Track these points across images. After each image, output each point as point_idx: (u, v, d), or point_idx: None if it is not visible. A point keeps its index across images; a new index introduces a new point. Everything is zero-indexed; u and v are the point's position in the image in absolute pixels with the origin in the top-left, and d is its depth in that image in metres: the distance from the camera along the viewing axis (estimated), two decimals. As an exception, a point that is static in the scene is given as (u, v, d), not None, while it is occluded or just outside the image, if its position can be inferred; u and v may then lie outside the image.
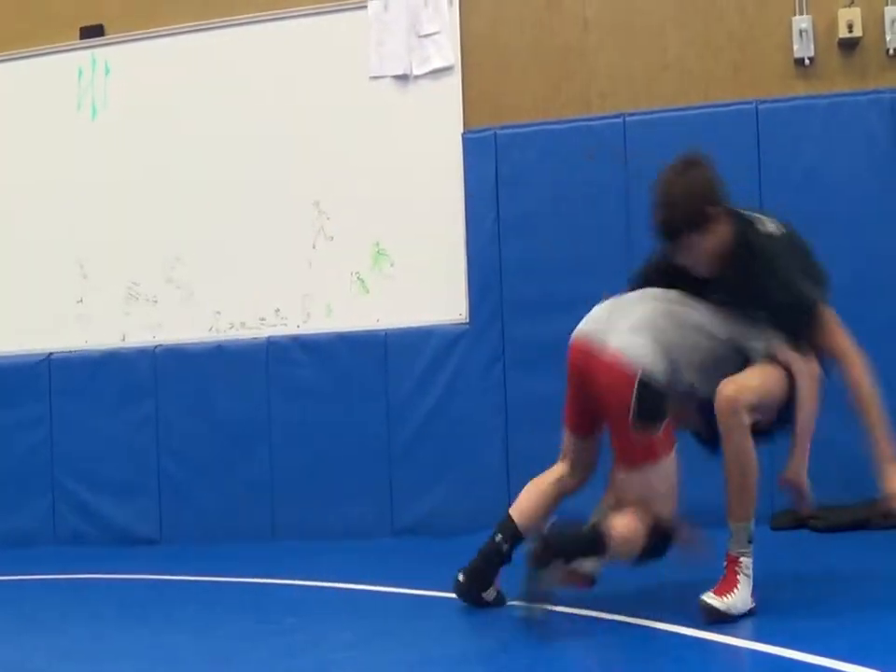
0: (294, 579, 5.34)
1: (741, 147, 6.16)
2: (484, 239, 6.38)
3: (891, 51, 6.31)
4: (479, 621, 4.40)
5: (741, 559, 4.03)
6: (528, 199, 6.37)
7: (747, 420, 4.02)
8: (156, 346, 6.88)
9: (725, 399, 4.01)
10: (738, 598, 3.97)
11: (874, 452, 4.03)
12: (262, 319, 6.78)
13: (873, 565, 4.86)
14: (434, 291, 6.50)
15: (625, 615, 4.13)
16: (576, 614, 4.26)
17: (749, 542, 4.07)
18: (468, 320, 6.43)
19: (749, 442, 4.06)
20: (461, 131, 6.53)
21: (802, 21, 6.38)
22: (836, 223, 6.06)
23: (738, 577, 4.00)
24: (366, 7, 6.68)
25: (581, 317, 5.93)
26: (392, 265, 6.59)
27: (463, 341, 6.38)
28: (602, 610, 4.22)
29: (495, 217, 6.37)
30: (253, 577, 5.48)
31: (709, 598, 3.94)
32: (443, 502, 6.35)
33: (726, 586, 3.99)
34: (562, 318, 6.10)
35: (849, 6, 6.34)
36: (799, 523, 5.84)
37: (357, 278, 6.64)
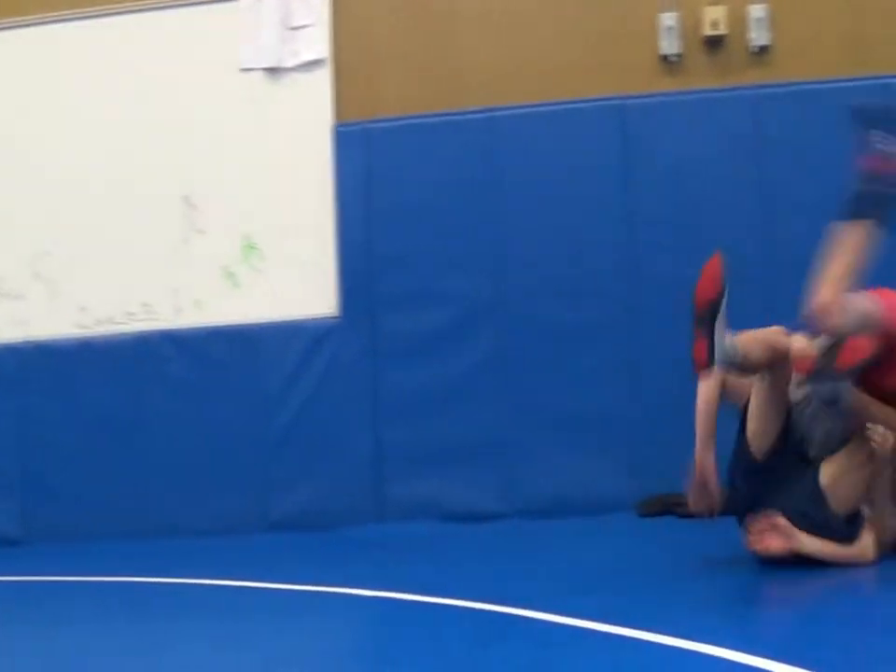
0: (163, 576, 5.32)
1: (608, 142, 6.37)
2: (355, 233, 6.48)
3: (755, 49, 6.55)
4: (350, 616, 4.46)
5: None
6: (399, 193, 6.47)
7: None
8: (23, 343, 6.83)
9: None
10: None
11: None
12: (131, 314, 6.77)
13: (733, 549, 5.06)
14: (305, 285, 6.55)
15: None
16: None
17: None
18: (339, 314, 6.50)
19: None
20: (333, 124, 6.60)
21: (668, 18, 6.57)
22: (701, 217, 6.30)
23: None
24: (237, -2, 6.76)
25: (452, 312, 6.15)
26: (263, 259, 6.63)
27: (334, 334, 6.46)
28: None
29: (365, 211, 6.47)
30: (121, 576, 5.44)
31: None
32: (316, 495, 6.43)
33: None
34: (432, 312, 6.36)
35: (714, 4, 6.57)
36: (665, 510, 6.06)
37: (228, 272, 6.67)
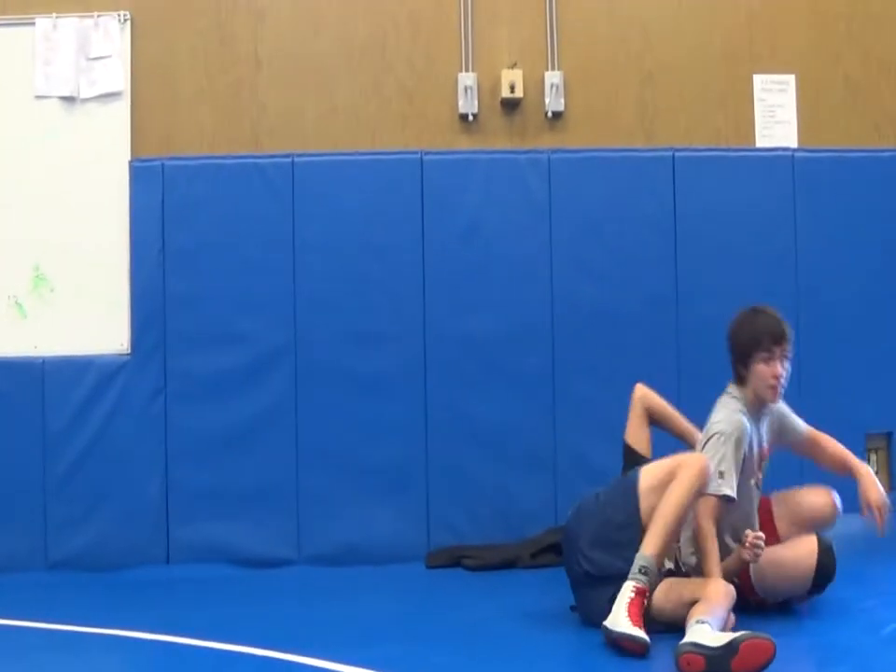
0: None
1: (406, 195, 6.61)
2: (149, 270, 6.49)
3: (550, 114, 6.93)
4: (122, 659, 4.60)
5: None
6: (195, 232, 6.53)
7: None
8: None
9: None
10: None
11: None
12: (-88, 341, 6.62)
13: (515, 602, 5.31)
14: (96, 320, 6.52)
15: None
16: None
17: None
18: (129, 351, 6.50)
19: None
20: (129, 158, 6.63)
21: (467, 79, 6.89)
22: (493, 274, 6.61)
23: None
24: (34, 23, 6.68)
25: (245, 353, 6.29)
26: (52, 290, 6.56)
27: (124, 372, 6.44)
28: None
29: (160, 248, 6.49)
30: None
31: None
32: (101, 536, 6.36)
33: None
34: (225, 353, 6.48)
35: (512, 67, 6.93)
36: (453, 561, 6.30)
37: (15, 302, 6.57)
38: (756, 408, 5.00)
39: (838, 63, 7.15)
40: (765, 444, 5.05)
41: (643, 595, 4.46)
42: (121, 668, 4.60)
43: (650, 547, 4.54)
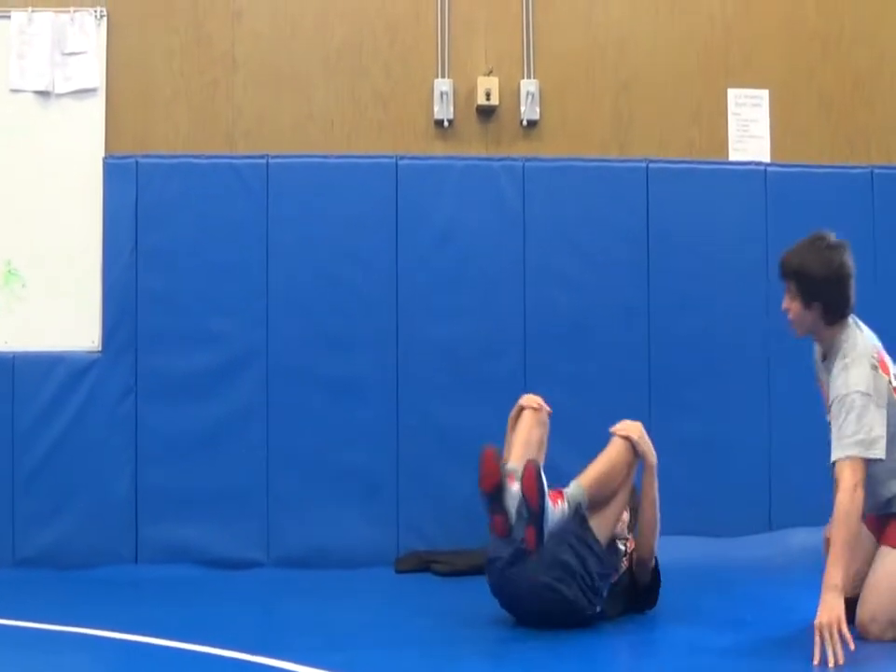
0: None
1: (381, 200, 6.72)
2: (122, 267, 6.55)
3: (525, 122, 7.06)
4: (85, 657, 4.64)
5: None
6: (168, 230, 6.60)
7: None
8: None
9: None
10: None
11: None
12: None
13: (484, 608, 5.31)
14: (67, 317, 6.58)
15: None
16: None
17: None
18: (100, 349, 6.55)
19: None
20: (103, 155, 6.69)
21: (443, 85, 7.01)
22: (466, 280, 6.73)
23: None
24: (9, 16, 6.75)
25: (217, 354, 6.37)
26: (24, 286, 6.61)
27: (95, 369, 6.50)
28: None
29: (133, 245, 6.56)
30: None
31: None
32: (69, 533, 6.40)
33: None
34: (196, 352, 6.55)
35: (488, 75, 7.06)
36: (423, 566, 6.40)
37: (-14, 297, 6.62)
38: None
39: (812, 79, 7.33)
40: None
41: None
42: (87, 667, 4.62)
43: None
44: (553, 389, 6.64)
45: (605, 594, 4.93)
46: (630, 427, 5.13)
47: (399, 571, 6.34)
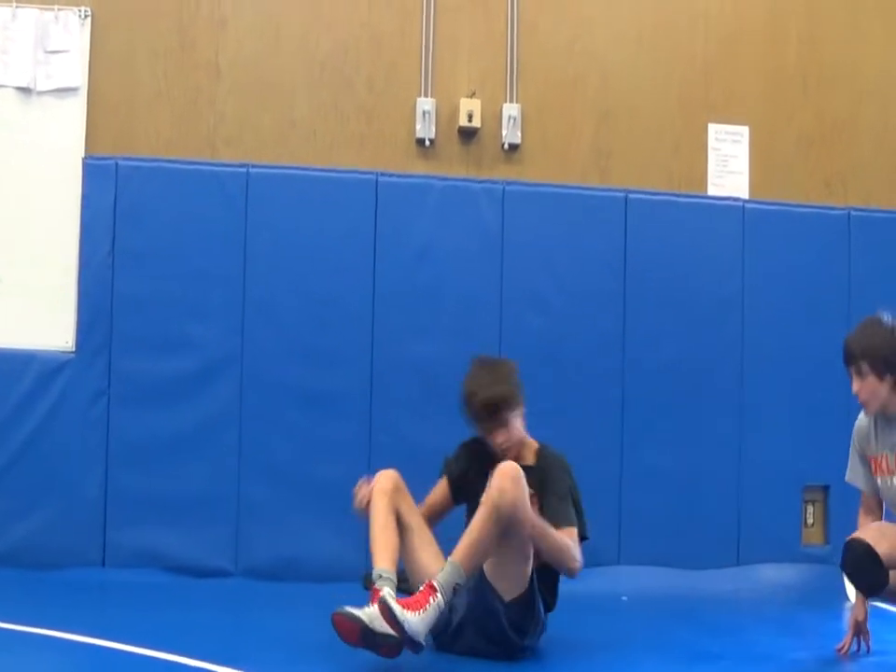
0: None
1: (360, 215, 6.78)
2: (98, 268, 6.55)
3: (506, 146, 7.15)
4: (44, 658, 4.64)
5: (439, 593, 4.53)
6: (146, 234, 6.61)
7: None
8: None
9: None
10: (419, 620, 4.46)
11: None
12: None
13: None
14: (42, 315, 6.56)
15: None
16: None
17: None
18: (74, 349, 6.54)
19: None
20: (83, 155, 6.69)
21: (426, 104, 7.08)
22: (443, 300, 6.80)
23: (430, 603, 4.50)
24: (-7, 12, 6.74)
25: (191, 360, 6.41)
26: None
27: (68, 369, 6.48)
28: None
29: (110, 247, 6.56)
30: None
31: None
32: (37, 533, 6.37)
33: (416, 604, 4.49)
34: (171, 357, 6.56)
35: (471, 97, 7.14)
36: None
37: (-40, 294, 6.57)
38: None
39: (792, 118, 7.51)
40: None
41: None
42: (48, 669, 4.63)
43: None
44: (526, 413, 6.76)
45: (542, 628, 4.89)
46: (495, 485, 4.66)
47: (367, 588, 6.32)
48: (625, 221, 7.08)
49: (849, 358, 5.02)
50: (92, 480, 6.46)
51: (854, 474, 5.21)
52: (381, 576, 4.69)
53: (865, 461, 5.10)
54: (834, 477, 6.98)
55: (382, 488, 4.96)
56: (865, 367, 4.96)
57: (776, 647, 4.51)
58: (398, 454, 6.55)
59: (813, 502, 7.18)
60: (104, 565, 6.37)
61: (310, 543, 6.53)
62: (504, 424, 4.99)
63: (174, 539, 6.42)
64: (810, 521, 7.13)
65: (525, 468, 4.69)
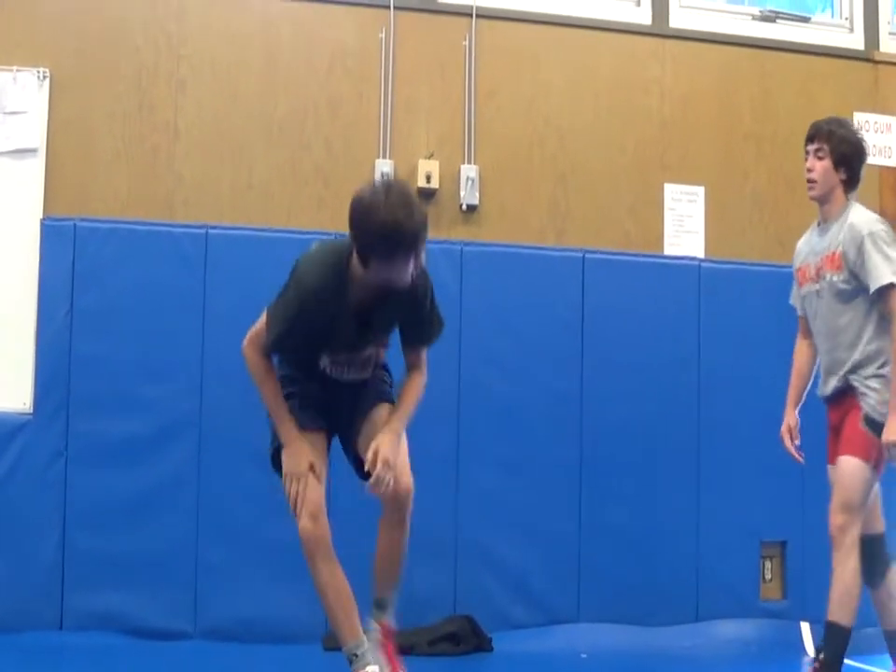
0: None
1: (320, 276, 6.90)
2: (56, 329, 6.62)
3: (464, 206, 7.30)
4: None
5: None
6: (104, 295, 6.69)
7: None
8: None
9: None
10: None
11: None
12: None
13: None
14: None
15: None
16: None
17: None
18: (32, 411, 6.59)
19: None
20: (41, 216, 6.78)
21: (384, 165, 7.22)
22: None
23: None
24: (-49, 74, 6.82)
25: (149, 421, 6.48)
26: (-45, 345, 6.63)
27: (25, 431, 6.54)
28: None
29: (68, 308, 6.63)
30: None
31: None
32: None
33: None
34: (129, 418, 6.63)
35: (429, 158, 7.31)
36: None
37: (-84, 355, 6.60)
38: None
39: (746, 178, 7.72)
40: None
41: None
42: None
43: None
44: (485, 471, 6.87)
45: None
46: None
47: (327, 649, 6.40)
48: (583, 281, 7.23)
49: (816, 136, 5.32)
50: (49, 541, 6.48)
51: (793, 296, 5.53)
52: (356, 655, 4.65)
53: (797, 278, 5.40)
54: (792, 532, 7.22)
55: (315, 537, 4.97)
56: (826, 150, 5.26)
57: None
58: (357, 513, 6.46)
59: (771, 557, 7.31)
60: (61, 627, 6.39)
61: (269, 604, 6.57)
62: (420, 253, 4.81)
63: (132, 601, 6.45)
64: (768, 576, 7.25)
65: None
